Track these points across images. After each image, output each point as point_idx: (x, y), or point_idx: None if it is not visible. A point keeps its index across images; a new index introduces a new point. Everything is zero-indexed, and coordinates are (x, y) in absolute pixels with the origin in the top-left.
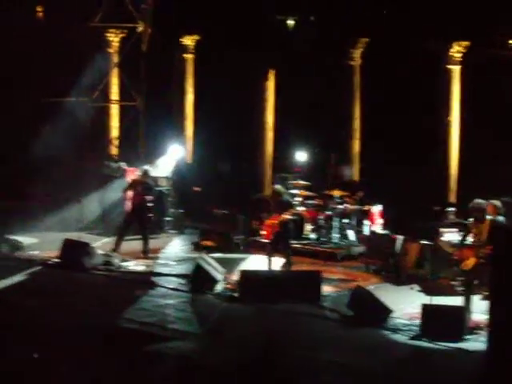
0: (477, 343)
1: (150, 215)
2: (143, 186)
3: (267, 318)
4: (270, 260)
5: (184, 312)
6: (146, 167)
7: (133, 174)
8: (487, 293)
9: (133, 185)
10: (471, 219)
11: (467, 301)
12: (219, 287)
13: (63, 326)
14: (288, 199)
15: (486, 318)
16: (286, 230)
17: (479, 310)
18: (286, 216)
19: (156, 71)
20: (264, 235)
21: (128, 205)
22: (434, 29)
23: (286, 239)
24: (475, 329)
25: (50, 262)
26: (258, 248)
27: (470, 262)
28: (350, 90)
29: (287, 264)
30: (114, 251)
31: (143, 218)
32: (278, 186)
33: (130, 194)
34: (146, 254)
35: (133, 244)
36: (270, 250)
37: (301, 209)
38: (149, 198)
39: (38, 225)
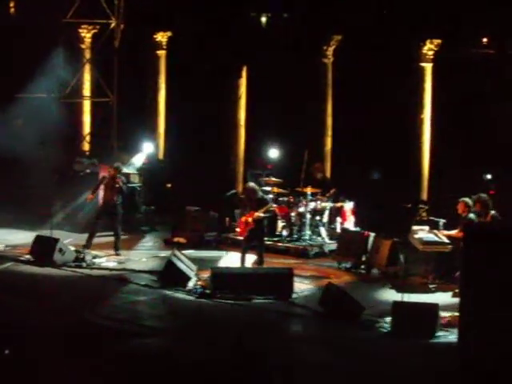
0: (448, 340)
1: (121, 212)
2: (114, 182)
3: (239, 314)
4: (243, 257)
5: (156, 309)
6: (117, 164)
7: (105, 170)
8: (458, 290)
9: (104, 181)
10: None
11: None
12: (191, 284)
13: (34, 322)
14: (262, 196)
15: (457, 315)
16: (260, 227)
17: (451, 307)
18: (261, 213)
19: (128, 67)
20: (238, 232)
21: (99, 201)
22: (406, 27)
23: (260, 236)
24: (447, 326)
25: (21, 258)
26: (231, 245)
27: None
28: (322, 87)
29: (259, 261)
30: (86, 248)
31: (114, 215)
32: (251, 183)
33: (101, 190)
34: (117, 250)
35: (105, 240)
36: (243, 247)
37: (273, 206)
38: (120, 194)
39: (10, 221)
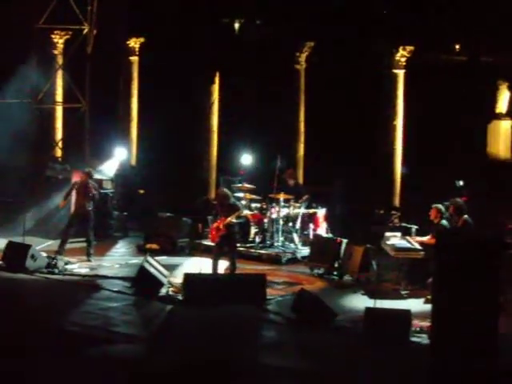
0: (420, 346)
1: (93, 218)
2: (86, 188)
3: (211, 321)
4: (215, 263)
5: (128, 315)
6: (88, 169)
7: (77, 176)
8: (430, 296)
9: (75, 187)
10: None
11: None
12: (164, 290)
13: (4, 328)
14: (234, 202)
15: (430, 321)
16: (232, 233)
17: (423, 313)
18: (233, 219)
19: (101, 73)
20: (210, 238)
21: (72, 207)
22: (379, 33)
23: (232, 242)
24: (419, 332)
25: None
26: (204, 251)
27: None
28: (295, 94)
29: (232, 267)
30: (58, 254)
31: (86, 221)
32: (224, 189)
33: (73, 196)
34: (89, 256)
35: (77, 247)
36: (215, 253)
37: (246, 212)
38: (92, 200)
39: None
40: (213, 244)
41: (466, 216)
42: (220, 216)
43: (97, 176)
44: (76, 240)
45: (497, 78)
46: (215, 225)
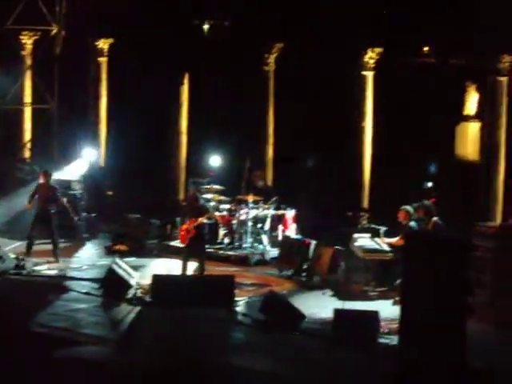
0: (389, 347)
1: (56, 220)
2: (48, 190)
3: (179, 322)
4: (184, 264)
5: (96, 316)
6: (47, 171)
7: (42, 177)
8: (398, 298)
9: (38, 188)
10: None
11: None
12: (132, 292)
13: None
14: (204, 204)
15: (398, 322)
16: (202, 235)
17: (391, 314)
18: (202, 220)
19: (70, 74)
20: (179, 239)
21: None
22: (348, 35)
23: (201, 244)
24: (387, 333)
25: None
26: (172, 252)
27: None
28: (264, 95)
29: (200, 268)
30: (27, 255)
31: (49, 222)
32: (194, 191)
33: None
34: (56, 257)
35: (46, 248)
36: (185, 255)
37: (215, 213)
38: (54, 202)
39: None
40: (182, 245)
41: (435, 218)
42: (189, 217)
43: (63, 177)
44: (44, 241)
45: (465, 80)
46: (185, 226)
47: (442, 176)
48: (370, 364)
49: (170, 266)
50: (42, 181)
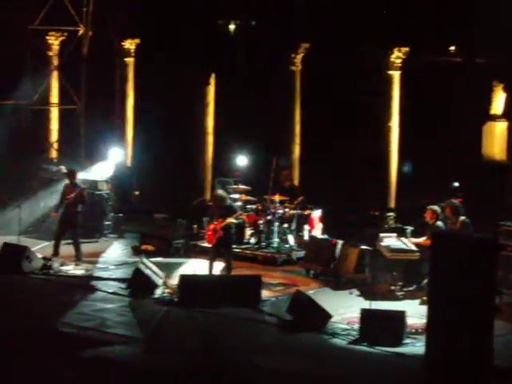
0: (415, 347)
1: (81, 220)
2: (74, 189)
3: (207, 322)
4: (211, 264)
5: (124, 316)
6: (66, 169)
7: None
8: (426, 298)
9: (64, 189)
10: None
11: None
12: (159, 292)
13: (1, 331)
14: (231, 204)
15: (425, 322)
16: (229, 235)
17: (418, 314)
18: (230, 220)
19: (97, 74)
20: (206, 239)
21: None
22: (374, 35)
23: (229, 244)
24: (414, 333)
25: None
26: (199, 252)
27: None
28: (290, 95)
29: (227, 268)
30: (54, 255)
31: (73, 223)
32: (220, 191)
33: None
34: (78, 258)
35: (72, 248)
36: (211, 255)
37: (241, 213)
38: (80, 202)
39: None
40: (208, 245)
41: (463, 217)
42: (216, 218)
43: (92, 177)
44: (71, 242)
45: (492, 79)
46: (212, 226)
47: (468, 175)
48: (395, 365)
49: (196, 266)
50: (68, 181)
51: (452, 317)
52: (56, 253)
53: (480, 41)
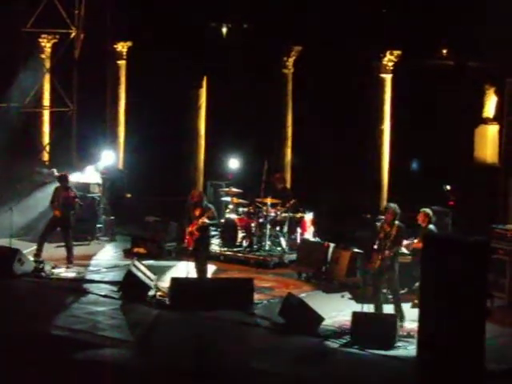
0: (407, 350)
1: (73, 223)
2: (66, 192)
3: (198, 325)
4: (197, 267)
5: (115, 319)
6: (58, 174)
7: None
8: (417, 301)
9: (56, 192)
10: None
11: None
12: (151, 294)
13: None
14: (207, 204)
15: (416, 325)
16: (205, 236)
17: (410, 317)
18: (203, 221)
19: (89, 77)
20: (186, 244)
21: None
22: (366, 38)
23: (205, 244)
24: (406, 336)
25: None
26: (190, 255)
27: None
28: (282, 98)
29: (199, 270)
30: (36, 257)
31: (67, 226)
32: (200, 190)
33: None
34: (70, 261)
35: (64, 251)
36: (194, 258)
37: (233, 216)
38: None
39: None
40: (190, 248)
41: (398, 222)
42: (191, 220)
43: (84, 180)
44: (62, 244)
45: (484, 83)
46: (189, 229)
47: (460, 178)
48: (386, 368)
49: (188, 269)
50: (59, 184)
51: (443, 319)
52: (39, 255)
53: (472, 44)
